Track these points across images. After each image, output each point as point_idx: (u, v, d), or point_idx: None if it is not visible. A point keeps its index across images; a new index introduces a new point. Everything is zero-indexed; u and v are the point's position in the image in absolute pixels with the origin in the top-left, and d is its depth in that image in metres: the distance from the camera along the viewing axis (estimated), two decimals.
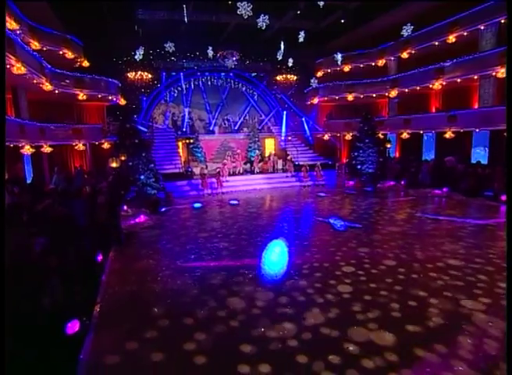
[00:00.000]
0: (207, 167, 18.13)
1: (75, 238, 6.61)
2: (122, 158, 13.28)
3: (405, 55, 19.28)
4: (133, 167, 13.93)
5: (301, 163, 18.20)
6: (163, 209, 13.47)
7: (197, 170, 17.60)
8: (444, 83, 17.00)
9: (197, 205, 14.15)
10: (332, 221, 10.63)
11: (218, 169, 16.64)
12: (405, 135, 18.92)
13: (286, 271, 6.71)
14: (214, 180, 16.05)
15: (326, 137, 22.23)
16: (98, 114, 19.30)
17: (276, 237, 8.95)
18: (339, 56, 19.10)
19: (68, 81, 15.19)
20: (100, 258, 7.37)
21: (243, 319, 4.97)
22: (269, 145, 21.46)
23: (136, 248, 8.75)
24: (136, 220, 11.42)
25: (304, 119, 22.63)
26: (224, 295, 5.78)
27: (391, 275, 6.45)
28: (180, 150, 19.28)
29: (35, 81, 12.47)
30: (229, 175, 17.79)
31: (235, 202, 14.24)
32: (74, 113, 18.54)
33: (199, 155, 19.93)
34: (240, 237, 9.14)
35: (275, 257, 7.64)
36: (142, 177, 14.00)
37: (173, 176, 17.02)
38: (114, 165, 12.30)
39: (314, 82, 21.17)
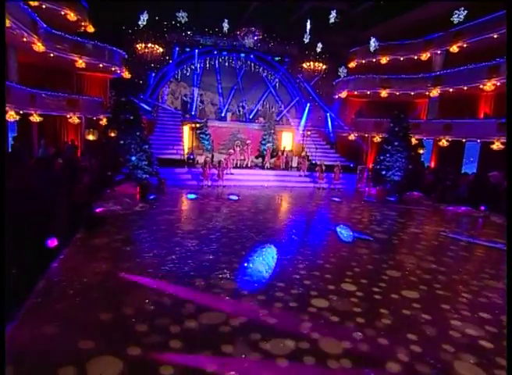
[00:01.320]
0: (213, 157, 17.71)
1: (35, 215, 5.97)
2: (112, 134, 12.71)
3: (454, 48, 18.00)
4: (124, 146, 13.43)
5: (318, 162, 17.35)
6: (151, 197, 12.83)
7: (201, 159, 17.29)
8: (498, 84, 15.66)
9: (192, 196, 13.64)
10: (338, 230, 9.69)
11: (223, 159, 16.07)
12: (444, 142, 17.80)
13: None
14: (215, 171, 15.63)
15: (352, 136, 21.33)
16: (100, 87, 18.99)
17: (276, 253, 7.41)
18: (374, 43, 17.95)
19: (65, 45, 14.70)
20: (54, 243, 6.71)
21: None
22: (286, 140, 20.86)
23: (103, 236, 8.00)
24: (116, 207, 10.80)
25: (328, 113, 21.81)
26: None
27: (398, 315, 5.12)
28: (186, 135, 18.94)
29: (25, 39, 12.04)
30: (235, 167, 17.30)
31: (234, 198, 13.67)
32: (74, 83, 18.26)
33: (206, 142, 19.47)
34: (226, 247, 7.60)
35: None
36: (133, 159, 13.51)
37: (173, 163, 16.81)
38: (90, 137, 11.74)
39: (342, 72, 20.07)
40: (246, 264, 6.71)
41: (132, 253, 7.23)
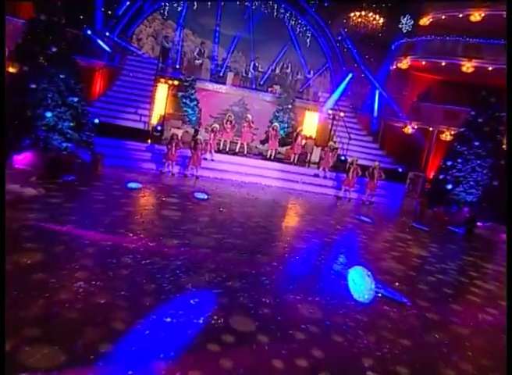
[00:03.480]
0: (197, 134, 16.36)
1: None
2: (12, 69, 10.27)
3: None
4: (36, 94, 11.03)
5: (349, 159, 15.40)
6: (66, 178, 10.77)
7: (178, 133, 15.33)
8: None
9: (133, 185, 11.65)
10: (351, 278, 7.06)
11: (200, 138, 14.32)
12: None
13: None
14: (188, 152, 13.98)
15: (408, 129, 19.53)
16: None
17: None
18: None
19: None
20: None
21: None
22: (309, 121, 18.94)
23: None
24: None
25: (377, 91, 20.02)
26: None
27: None
28: (160, 96, 17.21)
29: None
30: (222, 152, 15.70)
31: (203, 197, 11.71)
32: None
33: (190, 111, 17.92)
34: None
35: None
36: (49, 115, 11.24)
37: (130, 134, 15.34)
38: None
39: (406, 26, 17.70)
40: None
41: None
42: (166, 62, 19.43)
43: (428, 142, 19.59)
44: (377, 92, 19.94)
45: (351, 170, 14.85)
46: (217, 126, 15.49)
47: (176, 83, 17.14)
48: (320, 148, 17.47)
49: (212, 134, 15.19)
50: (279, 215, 12.02)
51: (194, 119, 17.94)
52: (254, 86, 20.58)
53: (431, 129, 19.57)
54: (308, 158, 17.44)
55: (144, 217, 9.02)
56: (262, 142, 18.09)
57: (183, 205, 10.69)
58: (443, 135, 19.03)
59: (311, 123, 18.87)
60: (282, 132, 17.89)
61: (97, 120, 13.28)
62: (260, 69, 20.91)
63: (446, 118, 18.77)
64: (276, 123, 17.11)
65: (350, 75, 20.23)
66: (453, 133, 18.03)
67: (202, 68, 20.41)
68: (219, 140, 15.72)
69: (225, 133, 16.00)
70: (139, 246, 7.15)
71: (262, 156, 16.97)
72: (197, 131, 16.78)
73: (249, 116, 16.60)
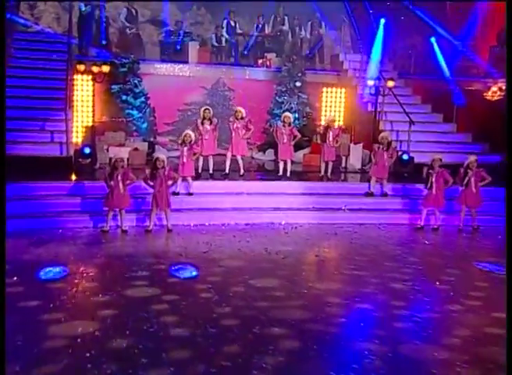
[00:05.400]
0: (153, 150, 15.90)
1: None
2: None
3: None
4: None
5: (434, 160, 13.44)
6: None
7: (122, 155, 13.92)
8: None
9: (51, 272, 9.84)
10: None
11: (162, 158, 12.44)
12: None
13: None
14: (149, 187, 12.29)
15: (495, 91, 17.98)
16: None
17: None
18: None
19: None
20: None
21: None
22: (333, 105, 18.87)
23: None
24: None
25: (433, 39, 18.67)
26: None
27: None
28: (80, 95, 16.40)
29: None
30: (197, 177, 13.87)
31: (189, 274, 9.88)
32: None
33: (136, 114, 16.94)
34: None
35: None
36: None
37: (38, 168, 13.62)
38: None
39: None
40: None
41: None
42: (85, 39, 18.06)
43: None
44: (434, 41, 18.48)
45: (434, 178, 12.69)
46: (191, 134, 13.37)
47: (105, 69, 15.16)
48: (360, 146, 16.73)
49: (185, 149, 13.02)
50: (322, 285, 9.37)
51: (145, 126, 17.03)
52: (234, 59, 20.06)
53: None
54: (344, 164, 16.48)
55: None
56: (261, 148, 17.82)
57: (157, 314, 7.77)
58: None
59: (334, 107, 18.84)
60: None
61: None
62: (239, 31, 20.31)
63: None
64: (288, 114, 15.34)
65: (383, 21, 18.78)
66: None
67: (143, 41, 19.85)
68: (197, 157, 13.80)
69: (203, 144, 13.78)
70: None
71: (269, 174, 15.51)
72: (153, 146, 16.17)
73: (241, 110, 14.64)
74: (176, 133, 17.55)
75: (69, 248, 10.65)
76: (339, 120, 16.52)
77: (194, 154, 13.16)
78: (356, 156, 16.39)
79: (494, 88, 17.97)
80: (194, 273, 9.24)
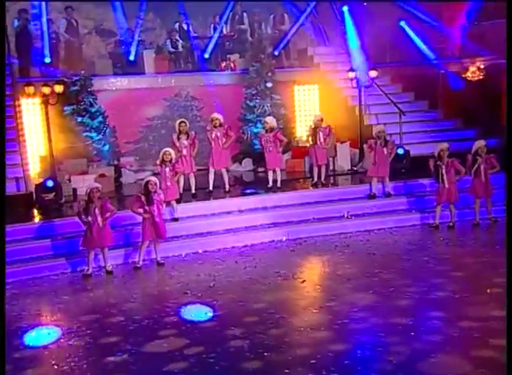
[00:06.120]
0: (119, 175, 15.85)
1: None
2: None
3: None
4: None
5: (441, 149, 13.03)
6: None
7: (87, 184, 13.16)
8: None
9: (35, 339, 8.84)
10: None
11: (153, 181, 11.75)
12: None
13: None
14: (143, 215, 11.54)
15: (474, 69, 18.13)
16: None
17: None
18: None
19: None
20: None
21: None
22: (308, 103, 18.86)
23: None
24: None
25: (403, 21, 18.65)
26: None
27: None
28: (30, 122, 15.96)
29: None
30: (178, 200, 13.18)
31: (201, 315, 9.27)
32: None
33: (95, 136, 16.32)
34: None
35: None
36: None
37: None
38: None
39: None
40: None
41: None
42: (26, 58, 17.21)
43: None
44: (404, 25, 18.51)
45: (444, 170, 12.22)
46: (171, 151, 12.55)
47: (58, 89, 14.44)
48: (347, 145, 16.41)
49: (167, 170, 12.26)
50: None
51: (107, 148, 16.27)
52: (195, 65, 19.36)
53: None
54: (332, 167, 15.75)
55: None
56: (236, 159, 17.06)
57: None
58: None
59: (309, 106, 18.80)
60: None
61: None
62: (194, 34, 19.77)
63: None
64: (269, 118, 14.98)
65: (346, 8, 18.60)
66: None
67: (90, 54, 19.27)
68: (179, 177, 13.09)
69: (183, 162, 13.10)
70: None
71: (258, 187, 14.85)
72: (119, 170, 15.69)
73: (217, 117, 13.92)
74: (141, 151, 17.29)
75: (51, 302, 9.63)
76: (322, 120, 15.60)
77: (176, 173, 12.41)
78: (344, 156, 15.95)
79: (472, 68, 17.87)
80: (210, 314, 8.41)
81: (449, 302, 8.68)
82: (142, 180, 15.04)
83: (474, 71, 17.83)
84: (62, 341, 7.80)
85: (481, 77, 17.84)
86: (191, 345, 7.34)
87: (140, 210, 10.93)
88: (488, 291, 8.75)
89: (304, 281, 9.65)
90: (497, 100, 17.38)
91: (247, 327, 7.89)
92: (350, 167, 15.87)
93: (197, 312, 8.63)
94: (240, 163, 16.79)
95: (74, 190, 13.85)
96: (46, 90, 13.89)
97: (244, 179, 15.89)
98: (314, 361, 6.78)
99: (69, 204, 13.34)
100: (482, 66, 17.75)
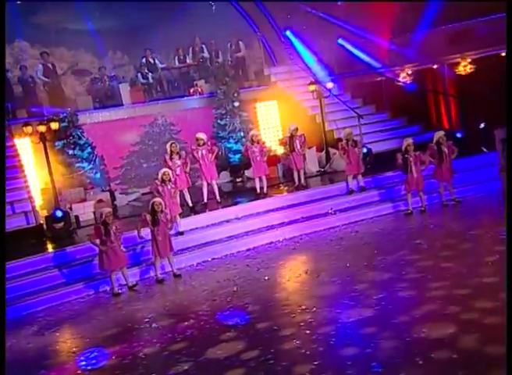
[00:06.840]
0: (114, 198, 15.02)
1: None
2: None
3: None
4: None
5: (404, 144, 13.09)
6: None
7: (88, 211, 13.96)
8: None
9: None
10: None
11: (157, 202, 10.91)
12: None
13: None
14: (144, 234, 10.92)
15: (404, 75, 17.93)
16: None
17: None
18: None
19: None
20: None
21: None
22: (269, 117, 18.66)
23: None
24: None
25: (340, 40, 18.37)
26: None
27: None
28: (29, 159, 15.47)
29: None
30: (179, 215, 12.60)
31: (237, 320, 8.34)
32: None
33: (86, 166, 15.65)
34: None
35: None
36: None
37: (6, 244, 10.99)
38: None
39: None
40: None
41: None
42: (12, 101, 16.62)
43: (441, 85, 18.19)
44: (342, 42, 18.14)
45: (411, 161, 12.15)
46: (168, 171, 11.99)
47: (54, 126, 14.13)
48: (314, 150, 16.03)
49: (167, 189, 11.63)
50: None
51: (98, 175, 15.76)
52: (166, 93, 18.91)
53: (435, 66, 17.86)
54: (303, 168, 15.16)
55: None
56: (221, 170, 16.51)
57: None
58: (460, 68, 17.11)
59: (270, 119, 18.57)
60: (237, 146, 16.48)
61: None
62: (161, 66, 19.17)
63: (452, 43, 16.80)
64: (254, 132, 14.82)
65: (288, 32, 18.54)
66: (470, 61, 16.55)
67: (66, 92, 18.18)
68: (173, 190, 12.37)
69: (176, 180, 12.47)
70: None
71: (248, 195, 14.41)
72: (112, 194, 14.97)
73: (201, 137, 13.50)
74: (127, 175, 16.78)
75: (88, 324, 8.78)
76: (297, 129, 15.23)
77: (176, 190, 12.06)
78: (312, 160, 15.67)
79: (403, 74, 17.78)
80: (243, 319, 7.81)
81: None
82: (134, 201, 15.27)
83: (404, 76, 17.76)
84: (117, 361, 7.08)
85: (410, 81, 17.63)
86: (247, 350, 6.74)
87: (145, 230, 10.48)
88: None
89: (318, 276, 9.05)
90: (426, 98, 18.33)
91: (294, 327, 7.25)
92: (318, 169, 15.68)
93: (234, 318, 7.99)
94: (218, 176, 15.65)
95: (76, 217, 13.29)
96: (42, 128, 13.55)
97: (224, 189, 15.39)
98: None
99: (77, 231, 12.68)
100: (410, 72, 17.70)
